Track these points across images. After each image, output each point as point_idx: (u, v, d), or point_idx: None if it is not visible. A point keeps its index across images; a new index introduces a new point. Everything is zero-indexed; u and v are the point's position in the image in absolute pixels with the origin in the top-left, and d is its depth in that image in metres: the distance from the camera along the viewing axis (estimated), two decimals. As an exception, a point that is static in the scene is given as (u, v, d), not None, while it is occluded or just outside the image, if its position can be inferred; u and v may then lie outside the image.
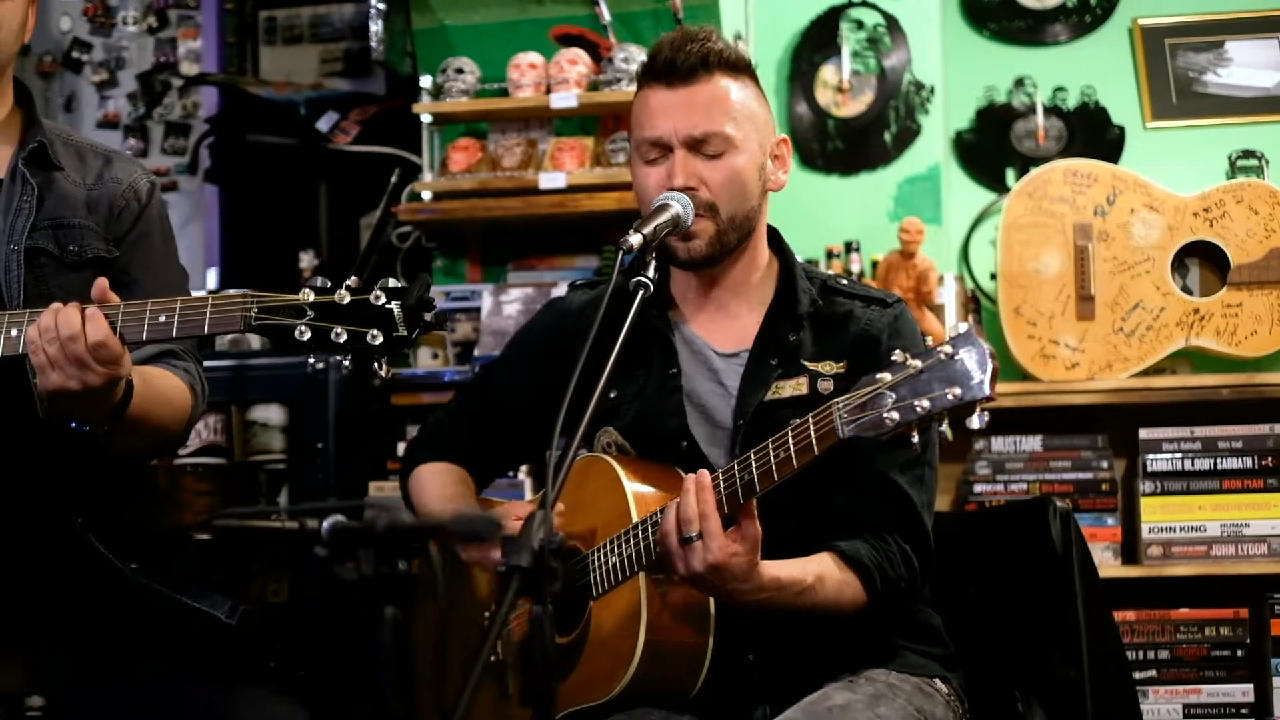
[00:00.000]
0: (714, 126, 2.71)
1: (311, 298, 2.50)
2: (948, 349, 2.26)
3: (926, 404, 2.26)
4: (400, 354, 2.51)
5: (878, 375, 2.32)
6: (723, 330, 2.84)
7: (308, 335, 2.50)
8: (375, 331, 2.49)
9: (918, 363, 2.28)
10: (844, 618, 2.65)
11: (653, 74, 2.77)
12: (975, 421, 2.26)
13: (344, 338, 2.49)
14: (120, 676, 2.79)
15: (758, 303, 2.84)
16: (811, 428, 2.40)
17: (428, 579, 2.88)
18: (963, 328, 2.28)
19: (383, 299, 2.49)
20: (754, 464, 2.46)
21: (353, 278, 2.51)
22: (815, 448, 2.40)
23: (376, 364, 2.52)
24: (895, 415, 2.28)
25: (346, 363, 2.54)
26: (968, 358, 2.25)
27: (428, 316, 2.51)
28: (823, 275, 2.89)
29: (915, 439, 2.30)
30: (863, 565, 2.63)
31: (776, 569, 2.54)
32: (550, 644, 1.99)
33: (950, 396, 2.24)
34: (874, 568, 2.64)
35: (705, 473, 2.51)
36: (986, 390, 2.23)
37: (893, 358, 2.32)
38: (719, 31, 2.82)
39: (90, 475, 2.84)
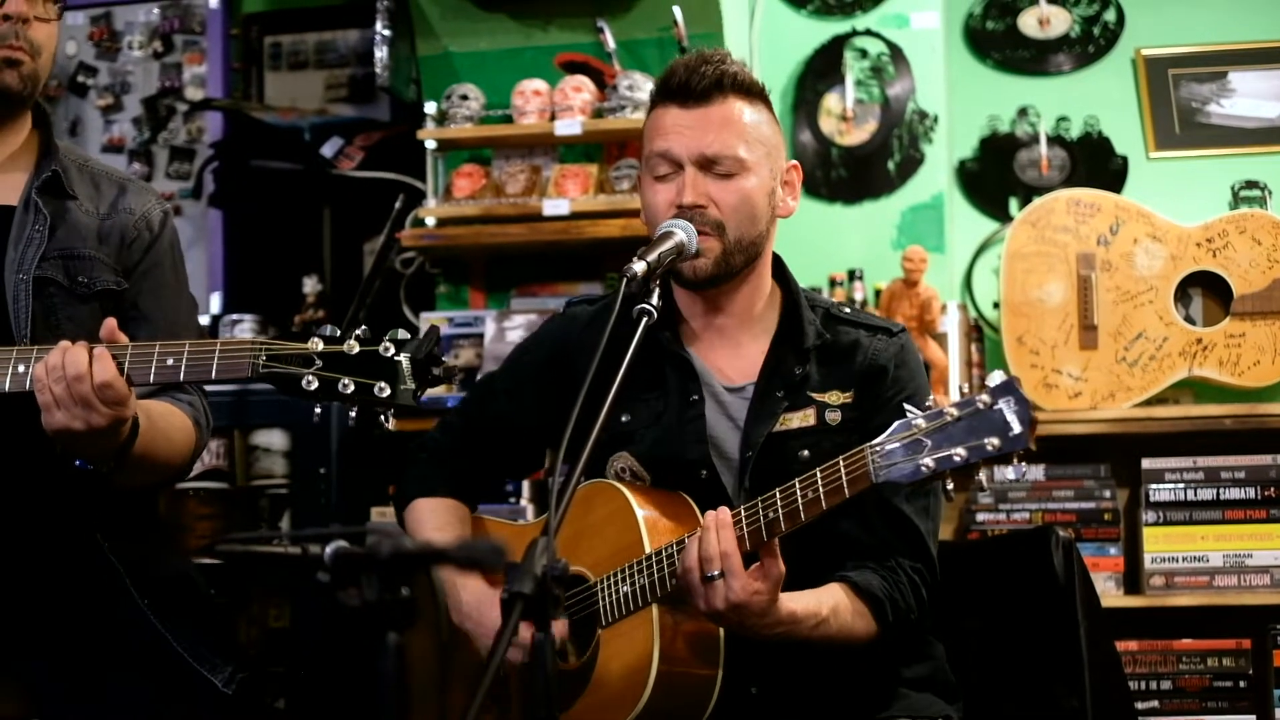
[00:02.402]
0: (726, 147, 2.70)
1: (320, 347, 2.49)
2: (986, 398, 2.25)
3: (963, 453, 2.25)
4: (407, 407, 2.49)
5: (913, 421, 2.31)
6: (728, 362, 2.82)
7: (315, 385, 2.49)
8: (383, 384, 2.47)
9: (954, 410, 2.27)
10: (854, 649, 2.65)
11: (667, 94, 2.76)
12: (1012, 471, 2.26)
13: (351, 389, 2.48)
14: (118, 707, 2.79)
15: (762, 332, 2.83)
16: (843, 470, 2.39)
17: (430, 605, 2.88)
18: (1000, 377, 2.27)
19: (391, 351, 2.48)
20: (779, 502, 2.45)
21: (363, 327, 2.50)
22: (846, 490, 2.39)
23: (382, 416, 2.50)
24: (930, 463, 2.27)
25: (352, 414, 2.52)
26: (1006, 407, 2.24)
27: (436, 371, 2.50)
28: (825, 303, 2.88)
29: (950, 486, 2.30)
30: (875, 597, 2.63)
31: (792, 602, 2.54)
32: (552, 670, 1.99)
33: (989, 447, 2.24)
34: (886, 599, 2.64)
35: (725, 510, 2.51)
36: (1025, 441, 2.23)
37: (928, 403, 2.31)
38: (733, 55, 2.81)
39: (110, 503, 2.83)
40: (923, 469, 2.29)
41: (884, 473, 2.34)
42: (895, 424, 2.34)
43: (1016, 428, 2.23)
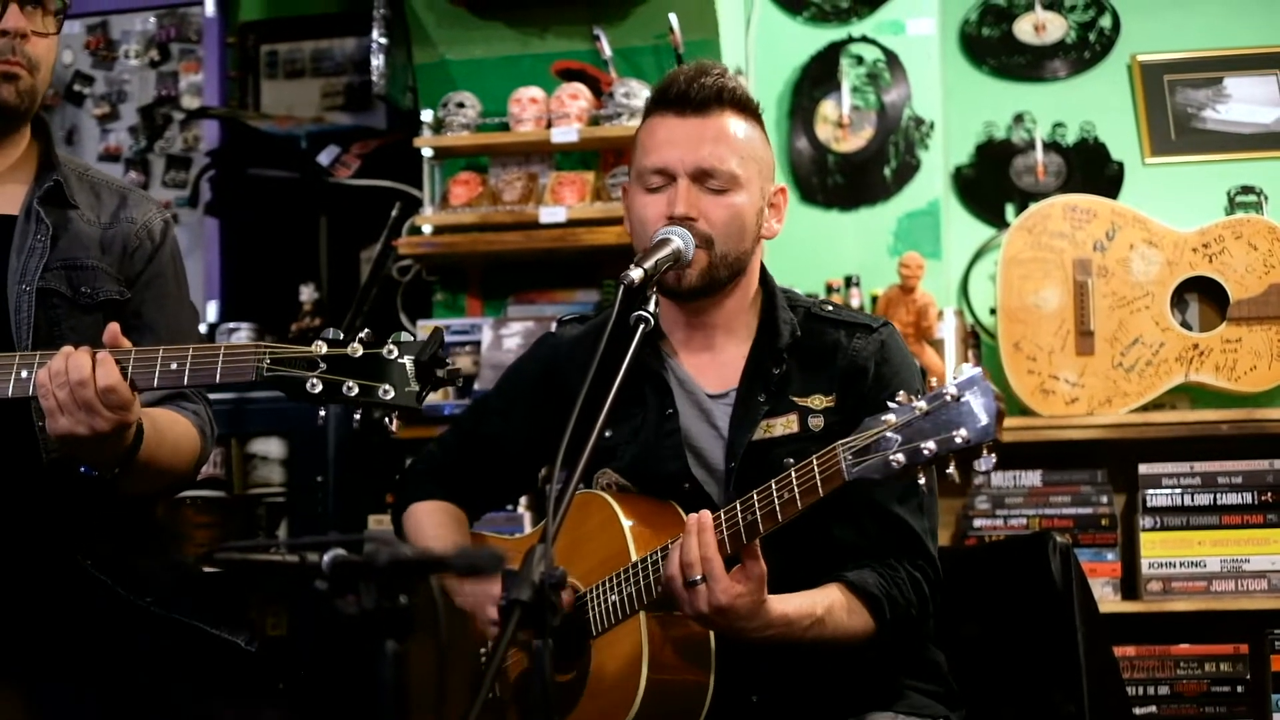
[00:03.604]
0: (721, 161, 2.69)
1: (324, 350, 2.48)
2: (953, 390, 2.27)
3: (933, 446, 2.26)
4: (411, 409, 2.48)
5: (882, 417, 2.32)
6: (710, 369, 2.82)
7: (319, 388, 2.48)
8: (387, 387, 2.47)
9: (923, 404, 2.28)
10: (853, 649, 2.64)
11: (664, 103, 2.75)
12: (983, 464, 2.27)
13: (355, 391, 2.47)
14: (130, 709, 2.79)
15: (743, 339, 2.82)
16: (816, 469, 2.40)
17: (427, 614, 2.88)
18: (968, 369, 2.29)
19: (395, 353, 2.47)
20: (757, 504, 2.46)
21: (366, 330, 2.50)
22: (820, 489, 2.39)
23: (386, 419, 2.50)
24: (901, 458, 2.29)
25: (356, 416, 2.52)
26: (973, 399, 2.25)
27: (440, 373, 2.49)
28: (807, 302, 2.86)
29: (922, 480, 2.31)
30: (871, 595, 2.62)
31: (784, 604, 2.53)
32: (550, 678, 1.99)
33: (958, 439, 2.25)
34: (883, 597, 2.63)
35: (706, 513, 2.50)
36: (992, 432, 2.24)
37: (897, 398, 2.32)
38: (729, 69, 2.81)
39: (98, 515, 2.83)
40: (893, 464, 2.30)
41: (855, 470, 2.35)
42: (865, 420, 2.36)
43: (984, 419, 2.25)
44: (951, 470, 2.28)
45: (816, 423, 2.72)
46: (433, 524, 2.97)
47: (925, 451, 2.27)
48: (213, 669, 2.88)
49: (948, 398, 2.27)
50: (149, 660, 2.83)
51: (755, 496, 2.46)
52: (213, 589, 3.06)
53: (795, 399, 2.74)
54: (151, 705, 2.81)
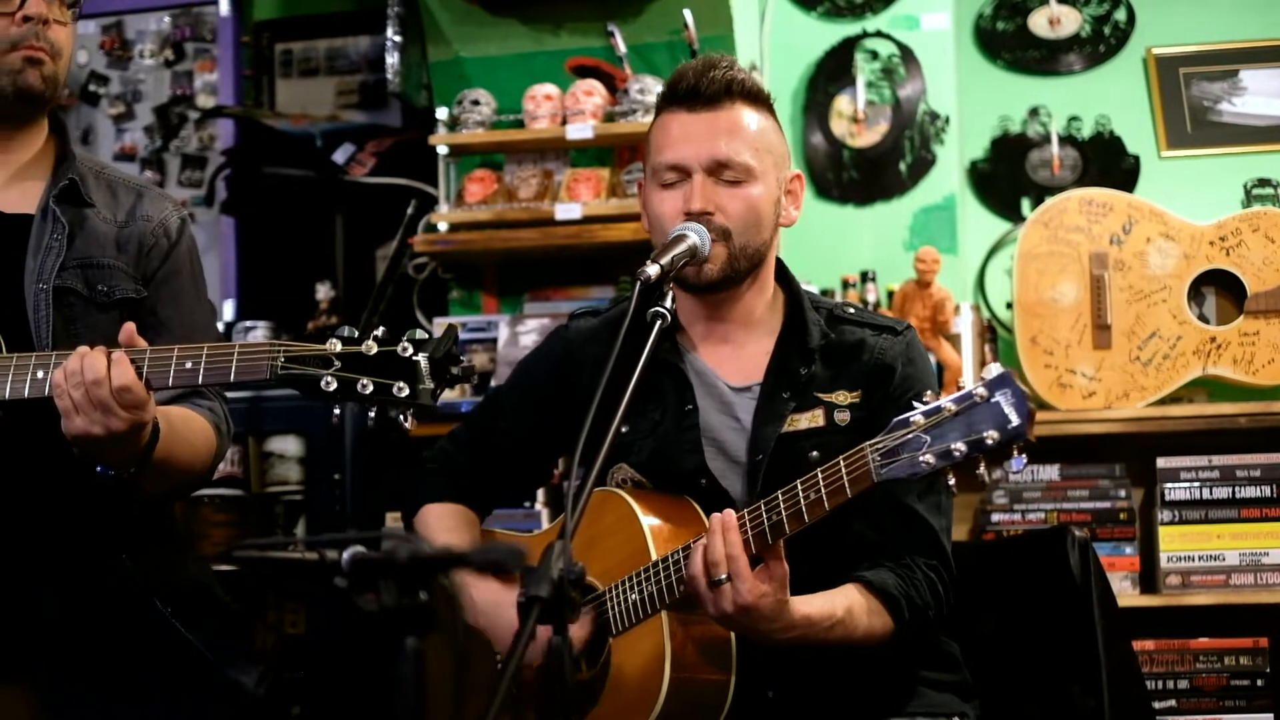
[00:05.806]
0: (735, 153, 2.70)
1: (338, 348, 2.49)
2: (983, 390, 2.25)
3: (963, 447, 2.25)
4: (426, 407, 2.49)
5: (911, 417, 2.31)
6: (731, 362, 2.82)
7: (334, 386, 2.48)
8: (401, 384, 2.47)
9: (951, 405, 2.27)
10: (871, 647, 2.64)
11: (674, 99, 2.75)
12: (1014, 464, 2.25)
13: (370, 389, 2.47)
14: (149, 712, 2.80)
15: (765, 335, 2.82)
16: (844, 470, 2.39)
17: (445, 611, 2.88)
18: (996, 369, 2.27)
19: (410, 351, 2.47)
20: (783, 505, 2.45)
21: (381, 328, 2.50)
22: (848, 490, 2.39)
23: (402, 416, 2.50)
24: (930, 458, 2.27)
25: (371, 414, 2.53)
26: (1004, 399, 2.24)
27: (454, 370, 2.49)
28: (829, 304, 2.88)
29: (952, 481, 2.29)
30: (890, 595, 2.63)
31: (805, 605, 2.53)
32: (570, 674, 1.98)
33: (989, 440, 2.23)
34: (901, 597, 2.63)
35: (731, 513, 2.50)
36: (1024, 432, 2.22)
37: (924, 397, 2.31)
38: (739, 62, 2.81)
39: (129, 512, 2.84)
40: (923, 465, 2.29)
41: (884, 471, 2.34)
42: (893, 421, 2.34)
43: (1014, 419, 2.23)
44: (981, 470, 2.27)
45: (842, 418, 2.72)
46: (443, 528, 2.96)
47: (955, 452, 2.26)
48: (217, 705, 2.88)
49: (977, 398, 2.25)
50: (151, 673, 2.84)
51: (780, 497, 2.46)
52: (229, 611, 3.07)
53: (820, 395, 2.75)
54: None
